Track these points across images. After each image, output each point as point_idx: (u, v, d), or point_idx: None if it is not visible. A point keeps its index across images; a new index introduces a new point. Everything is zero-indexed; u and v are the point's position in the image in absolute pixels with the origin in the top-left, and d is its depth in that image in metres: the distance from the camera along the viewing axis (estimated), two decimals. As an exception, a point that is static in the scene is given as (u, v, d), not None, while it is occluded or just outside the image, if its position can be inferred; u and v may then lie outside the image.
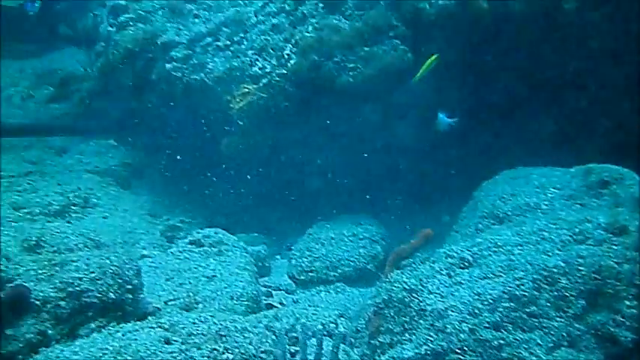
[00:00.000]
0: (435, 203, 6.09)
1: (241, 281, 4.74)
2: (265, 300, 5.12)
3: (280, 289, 5.52)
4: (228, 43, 5.89)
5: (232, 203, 6.72)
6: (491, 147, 5.80)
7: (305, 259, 5.73)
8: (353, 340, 4.14)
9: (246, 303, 4.56)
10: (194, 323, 3.07)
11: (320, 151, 6.01)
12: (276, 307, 4.96)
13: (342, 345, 3.88)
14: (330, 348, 3.16)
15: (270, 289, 5.41)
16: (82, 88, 8.79)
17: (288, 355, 3.14)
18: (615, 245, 3.80)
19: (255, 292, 4.73)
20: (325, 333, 3.97)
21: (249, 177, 6.36)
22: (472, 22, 5.34)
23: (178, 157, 6.64)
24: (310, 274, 5.65)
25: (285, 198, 6.54)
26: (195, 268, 4.95)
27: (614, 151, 5.08)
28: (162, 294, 4.62)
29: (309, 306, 5.02)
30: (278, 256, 6.37)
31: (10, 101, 9.35)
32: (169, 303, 4.48)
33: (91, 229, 5.49)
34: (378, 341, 3.98)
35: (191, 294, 4.59)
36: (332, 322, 4.30)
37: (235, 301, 4.54)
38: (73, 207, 6.33)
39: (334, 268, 5.62)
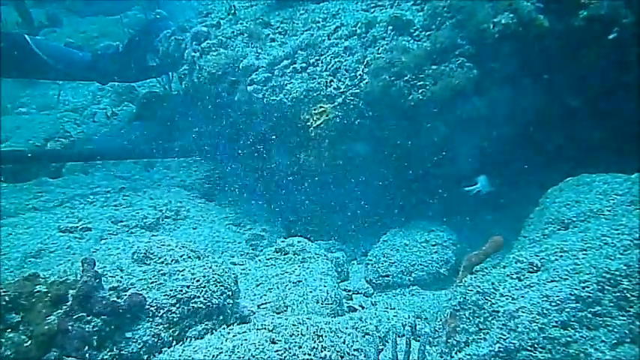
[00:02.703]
0: (501, 211, 6.36)
1: (325, 286, 5.15)
2: (347, 303, 5.53)
3: (359, 293, 5.93)
4: (304, 65, 6.30)
5: (309, 213, 7.15)
6: (552, 156, 6.04)
7: (381, 265, 6.11)
8: (431, 339, 4.52)
9: (330, 306, 4.97)
10: (294, 325, 3.50)
11: (392, 165, 6.36)
12: (357, 309, 5.37)
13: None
14: (418, 346, 3.52)
15: (350, 293, 5.83)
16: (166, 107, 9.37)
17: (378, 353, 3.53)
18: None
19: (337, 296, 5.14)
20: (409, 333, 4.37)
21: (324, 189, 6.78)
22: (534, 39, 5.62)
23: (260, 171, 7.11)
24: (386, 278, 6.03)
25: (357, 208, 6.92)
26: (282, 274, 5.39)
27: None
28: (254, 298, 5.08)
29: (387, 308, 5.42)
30: (354, 262, 6.77)
31: (95, 119, 9.99)
32: (261, 307, 4.93)
33: (185, 239, 6.01)
34: (455, 340, 4.35)
35: (280, 298, 5.04)
36: (411, 324, 4.69)
37: (321, 305, 4.95)
38: (165, 219, 6.88)
39: (409, 273, 5.98)
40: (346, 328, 3.62)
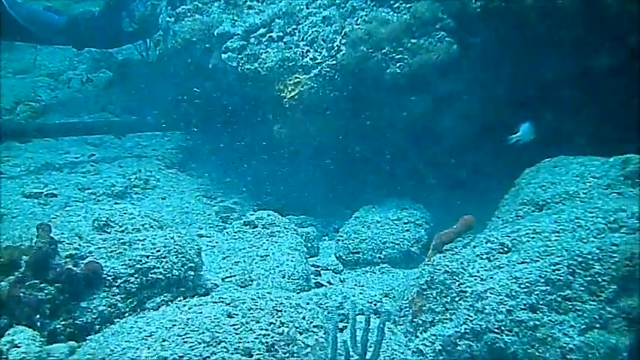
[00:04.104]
0: (478, 191, 6.25)
1: (292, 261, 5.05)
2: (314, 279, 5.42)
3: (328, 269, 5.80)
4: (280, 34, 6.13)
5: (283, 186, 7.02)
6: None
7: (352, 241, 5.97)
8: (397, 318, 4.43)
9: (297, 281, 4.87)
10: (253, 299, 3.38)
11: (366, 140, 6.23)
12: (324, 285, 5.26)
13: (387, 322, 4.18)
14: (377, 324, 3.42)
15: (318, 269, 5.71)
16: (140, 73, 9.18)
17: (337, 330, 3.42)
18: (648, 236, 4.00)
19: (305, 272, 5.04)
20: (372, 311, 4.27)
21: (299, 162, 6.65)
22: (516, 16, 5.48)
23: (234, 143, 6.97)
24: (356, 255, 5.90)
25: (332, 183, 6.80)
26: (250, 247, 5.28)
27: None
28: (219, 271, 4.96)
29: (356, 285, 5.32)
30: (326, 238, 6.65)
31: (70, 85, 9.77)
32: (226, 280, 4.81)
33: (152, 209, 5.88)
34: (421, 320, 4.25)
35: (246, 272, 4.92)
36: (378, 301, 4.58)
37: (287, 280, 4.85)
38: (134, 188, 6.73)
39: (379, 250, 5.85)
40: (307, 304, 3.52)
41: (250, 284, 4.79)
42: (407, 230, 5.96)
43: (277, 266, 4.98)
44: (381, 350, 3.47)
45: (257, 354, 3.04)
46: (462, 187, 6.30)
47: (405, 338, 4.14)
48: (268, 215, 5.60)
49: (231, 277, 4.86)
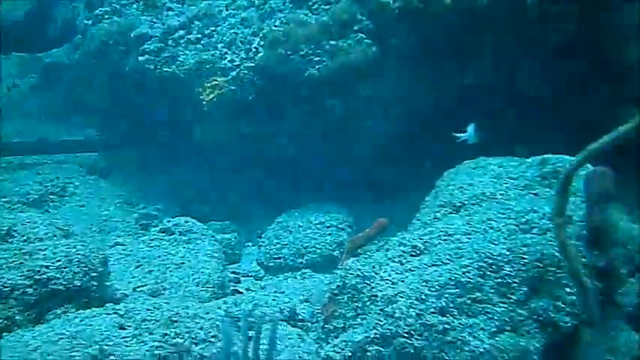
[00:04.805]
0: (403, 194, 6.21)
1: (208, 268, 4.94)
2: (234, 286, 5.30)
3: (249, 276, 5.69)
4: (199, 36, 6.02)
5: (207, 192, 6.88)
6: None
7: (273, 247, 5.88)
8: (310, 324, 4.34)
9: (211, 289, 4.75)
10: (148, 310, 3.26)
11: (288, 142, 6.14)
12: (242, 292, 5.14)
13: (297, 329, 4.09)
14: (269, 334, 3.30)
15: (238, 276, 5.60)
16: (64, 78, 8.90)
17: (238, 340, 3.30)
18: (558, 234, 3.99)
19: (220, 279, 4.92)
20: (283, 318, 4.17)
21: (221, 167, 6.54)
22: (435, 18, 5.46)
23: (154, 148, 6.81)
24: (278, 260, 5.80)
25: (257, 188, 6.70)
26: (165, 255, 5.15)
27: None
28: (131, 281, 4.81)
29: (275, 292, 5.21)
30: (249, 244, 6.52)
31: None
32: (137, 289, 4.66)
33: (65, 218, 5.69)
34: (333, 325, 4.15)
35: (159, 281, 4.79)
36: (291, 308, 4.49)
37: (201, 288, 4.73)
38: (51, 196, 6.50)
39: (301, 255, 5.76)
40: (207, 314, 3.40)
41: (163, 293, 4.65)
42: (329, 234, 5.88)
43: (192, 274, 4.88)
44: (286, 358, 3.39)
45: (147, 366, 2.91)
46: (387, 190, 6.26)
47: (315, 345, 4.05)
48: (186, 222, 5.49)
49: (143, 286, 4.71)
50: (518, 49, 5.69)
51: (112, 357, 2.89)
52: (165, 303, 3.35)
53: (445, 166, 5.33)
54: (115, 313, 3.23)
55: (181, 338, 3.10)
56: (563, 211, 2.40)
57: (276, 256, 5.82)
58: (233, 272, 5.62)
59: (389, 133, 6.01)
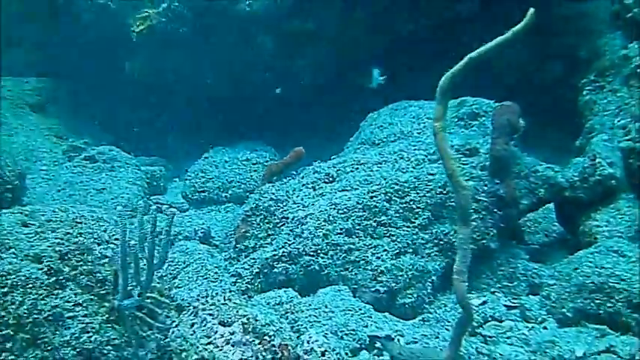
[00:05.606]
0: (333, 134, 6.29)
1: (128, 194, 5.01)
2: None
3: (172, 207, 5.71)
4: (131, -32, 5.98)
5: (138, 127, 6.87)
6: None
7: (198, 180, 5.90)
8: (223, 245, 4.46)
9: (129, 212, 4.81)
10: (54, 212, 3.30)
11: (219, 77, 6.17)
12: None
13: (210, 248, 4.22)
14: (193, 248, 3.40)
15: (159, 205, 5.62)
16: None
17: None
18: (464, 164, 4.17)
19: (139, 205, 4.98)
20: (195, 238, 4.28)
21: (153, 101, 6.54)
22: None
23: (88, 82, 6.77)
24: (202, 194, 5.83)
25: (188, 124, 6.73)
26: (87, 181, 5.19)
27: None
28: (52, 203, 4.83)
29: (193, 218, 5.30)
30: (177, 179, 6.58)
31: None
32: (57, 210, 4.69)
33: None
34: (244, 245, 4.29)
35: (79, 204, 4.82)
36: (205, 230, 4.59)
37: (119, 211, 4.80)
38: (-22, 125, 6.43)
39: (226, 190, 5.81)
40: (112, 219, 3.46)
41: (82, 215, 4.68)
42: (255, 171, 5.93)
43: (112, 198, 4.95)
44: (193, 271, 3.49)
45: (47, 261, 2.96)
46: (317, 130, 6.33)
47: (225, 262, 4.18)
48: (110, 150, 5.52)
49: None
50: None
51: (11, 250, 2.94)
52: (72, 207, 3.39)
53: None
54: (20, 212, 3.27)
55: (84, 237, 3.15)
56: (440, 117, 2.51)
57: (201, 190, 5.84)
58: (156, 202, 5.63)
59: (321, 72, 6.06)
